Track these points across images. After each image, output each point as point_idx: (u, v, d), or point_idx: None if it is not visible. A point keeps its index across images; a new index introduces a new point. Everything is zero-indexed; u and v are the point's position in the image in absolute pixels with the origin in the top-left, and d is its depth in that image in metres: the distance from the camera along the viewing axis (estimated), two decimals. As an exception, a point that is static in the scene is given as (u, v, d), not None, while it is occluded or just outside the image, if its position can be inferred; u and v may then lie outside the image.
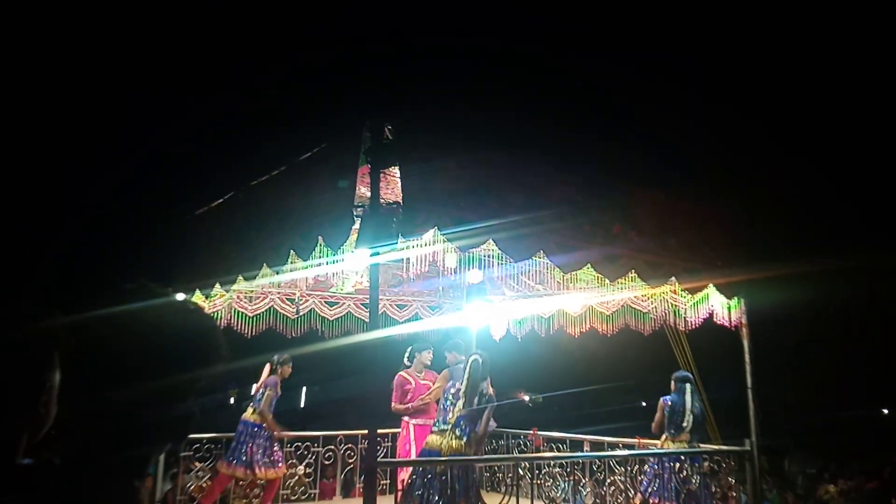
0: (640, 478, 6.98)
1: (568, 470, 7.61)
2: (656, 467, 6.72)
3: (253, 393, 7.60)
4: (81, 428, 1.24)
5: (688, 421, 6.80)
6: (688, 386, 6.95)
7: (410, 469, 6.51)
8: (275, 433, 7.38)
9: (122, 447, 1.21)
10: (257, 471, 7.20)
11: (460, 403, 6.18)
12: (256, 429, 7.31)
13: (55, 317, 1.34)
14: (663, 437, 6.89)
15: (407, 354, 7.74)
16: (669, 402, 6.91)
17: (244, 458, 7.17)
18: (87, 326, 1.26)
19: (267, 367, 7.62)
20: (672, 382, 7.05)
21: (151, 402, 1.20)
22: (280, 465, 7.45)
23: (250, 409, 7.43)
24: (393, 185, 4.91)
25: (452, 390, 6.39)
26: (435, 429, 6.34)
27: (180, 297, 1.37)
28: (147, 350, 1.21)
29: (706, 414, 7.57)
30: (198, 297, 6.73)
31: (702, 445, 6.88)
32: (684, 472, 6.51)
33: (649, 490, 6.72)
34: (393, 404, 7.51)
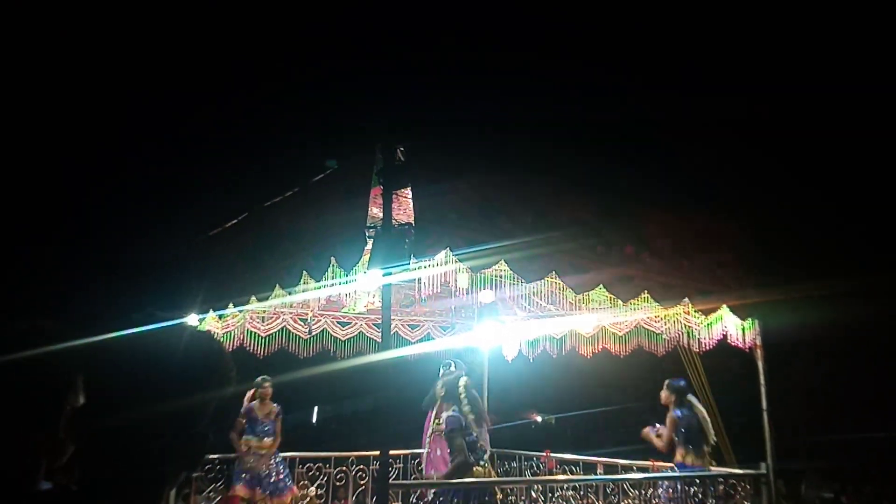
0: (654, 502, 6.89)
1: (581, 493, 7.53)
2: (671, 490, 6.63)
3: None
4: (95, 453, 1.25)
5: (709, 433, 6.71)
6: (692, 398, 6.86)
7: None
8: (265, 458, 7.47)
9: (137, 472, 1.22)
10: (258, 493, 7.31)
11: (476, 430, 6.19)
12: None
13: (76, 337, 1.35)
14: (680, 452, 6.78)
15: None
16: (681, 416, 6.77)
17: (245, 477, 7.40)
18: (98, 350, 1.27)
19: (249, 394, 7.77)
20: (671, 395, 6.89)
21: (163, 426, 1.21)
22: (287, 490, 7.51)
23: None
24: (405, 206, 4.93)
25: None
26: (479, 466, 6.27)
27: (189, 321, 1.39)
28: (155, 374, 1.22)
29: (722, 436, 7.48)
30: (211, 318, 6.77)
31: (713, 468, 6.80)
32: (699, 497, 6.42)
33: None
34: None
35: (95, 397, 1.26)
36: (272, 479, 7.46)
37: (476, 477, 6.12)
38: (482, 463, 6.17)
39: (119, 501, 1.21)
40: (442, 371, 7.55)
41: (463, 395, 6.28)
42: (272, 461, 7.55)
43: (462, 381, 6.41)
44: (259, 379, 7.80)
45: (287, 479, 7.60)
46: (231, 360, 1.33)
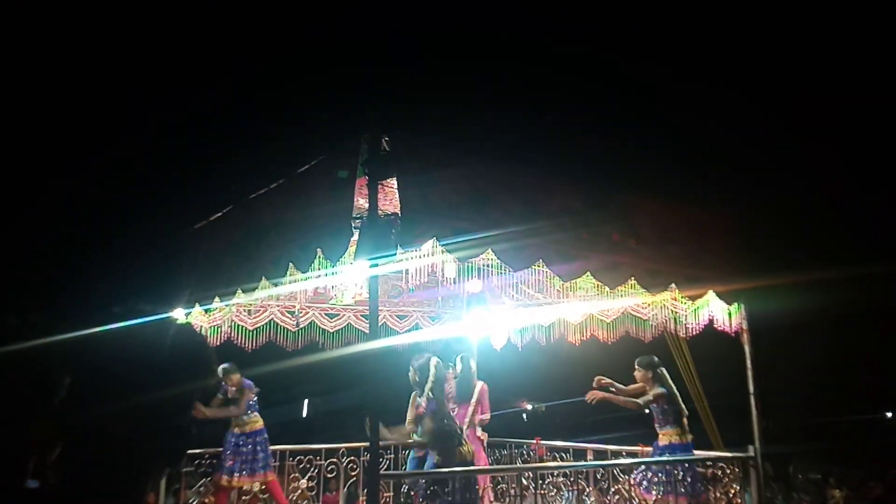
0: (639, 489, 6.91)
1: (572, 479, 7.57)
2: (661, 475, 6.66)
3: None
4: (79, 448, 1.23)
5: (681, 403, 6.74)
6: (663, 370, 6.86)
7: None
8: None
9: (121, 466, 1.21)
10: (235, 478, 7.37)
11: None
12: (233, 438, 7.57)
13: (64, 332, 1.34)
14: (670, 430, 6.72)
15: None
16: (666, 392, 6.72)
17: (227, 466, 7.46)
18: (85, 344, 1.26)
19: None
20: (646, 372, 6.81)
21: (147, 420, 1.20)
22: (267, 470, 7.54)
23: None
24: (391, 196, 4.91)
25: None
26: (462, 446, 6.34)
27: (175, 314, 1.38)
28: (140, 369, 1.21)
29: (710, 420, 7.54)
30: (198, 312, 6.73)
31: (700, 452, 6.85)
32: (688, 480, 6.46)
33: (644, 485, 6.64)
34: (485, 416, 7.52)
35: (81, 392, 1.25)
36: (252, 458, 7.51)
37: (463, 458, 6.17)
38: (463, 442, 6.26)
39: (103, 496, 1.20)
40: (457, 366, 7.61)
41: (431, 377, 6.36)
42: (254, 438, 7.58)
43: (432, 362, 6.46)
44: (228, 365, 7.65)
45: (268, 460, 7.63)
46: (213, 354, 1.32)
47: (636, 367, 6.94)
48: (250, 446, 7.55)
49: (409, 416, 6.85)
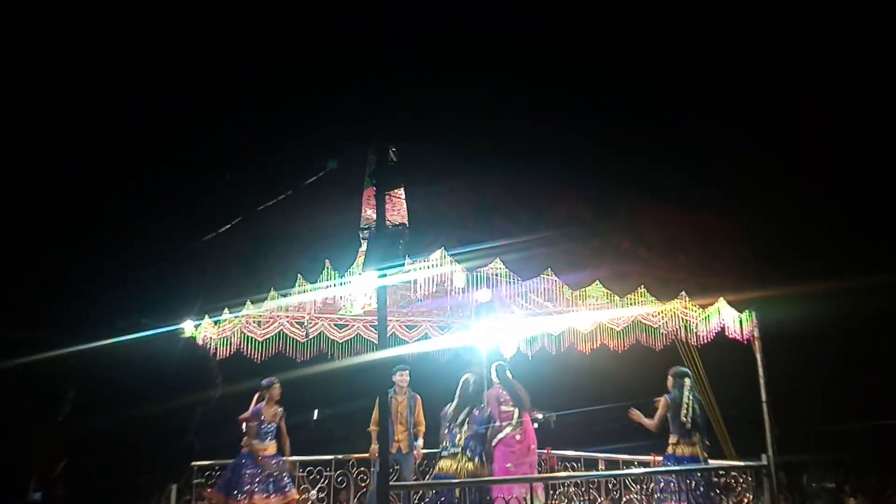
0: (656, 496, 6.86)
1: (583, 489, 7.52)
2: (672, 484, 6.61)
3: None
4: (83, 462, 1.23)
5: (685, 416, 6.67)
6: (686, 381, 6.84)
7: None
8: (269, 460, 7.38)
9: (124, 481, 1.20)
10: (257, 499, 7.21)
11: (466, 426, 6.21)
12: (246, 459, 7.38)
13: (69, 347, 1.34)
14: (673, 439, 6.74)
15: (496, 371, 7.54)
16: (671, 399, 6.78)
17: (245, 489, 7.22)
18: (90, 360, 1.26)
19: (256, 396, 7.63)
20: (670, 378, 6.91)
21: (149, 433, 1.19)
22: (288, 490, 7.42)
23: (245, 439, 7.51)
24: (399, 206, 4.90)
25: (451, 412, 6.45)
26: (445, 453, 6.32)
27: (184, 327, 1.38)
28: (144, 384, 1.20)
29: (722, 429, 7.46)
30: (207, 324, 6.74)
31: (712, 461, 6.78)
32: (701, 489, 6.40)
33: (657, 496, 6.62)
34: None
35: (86, 406, 1.25)
36: (272, 481, 7.37)
37: (445, 469, 6.18)
38: (455, 451, 6.23)
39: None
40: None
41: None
42: (273, 462, 7.46)
43: (462, 379, 6.50)
44: (265, 381, 7.62)
45: (288, 482, 7.52)
46: (217, 368, 1.31)
47: (669, 376, 6.99)
48: (274, 465, 7.40)
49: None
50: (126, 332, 1.26)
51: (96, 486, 1.22)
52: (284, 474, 7.47)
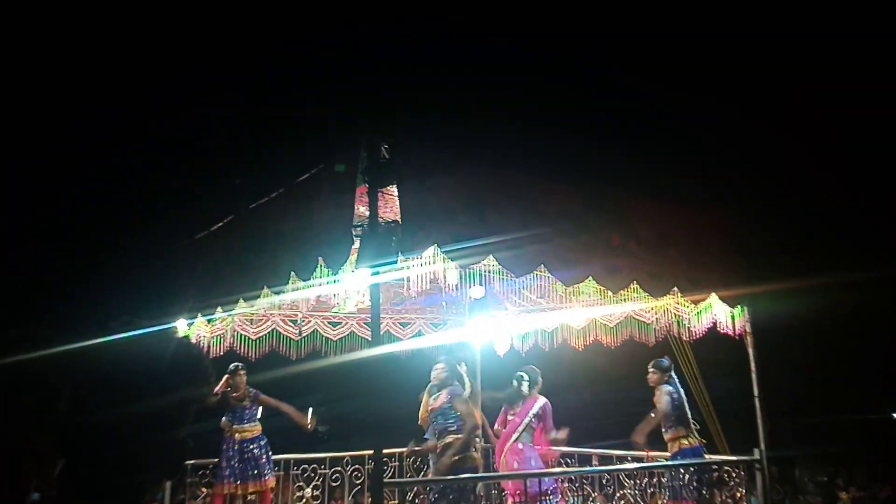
0: (650, 490, 6.88)
1: (577, 485, 7.54)
2: (664, 479, 6.62)
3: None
4: (78, 461, 1.24)
5: (686, 407, 6.63)
6: (673, 375, 6.75)
7: None
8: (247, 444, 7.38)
9: (118, 479, 1.21)
10: (238, 484, 7.20)
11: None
12: (226, 444, 7.16)
13: (65, 345, 1.35)
14: (682, 432, 6.52)
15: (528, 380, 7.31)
16: (674, 391, 6.57)
17: (225, 473, 7.09)
18: (86, 358, 1.27)
19: (224, 378, 7.47)
20: (660, 375, 6.64)
21: (144, 430, 1.20)
22: (266, 477, 7.36)
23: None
24: (391, 203, 4.91)
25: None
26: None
27: (177, 325, 1.38)
28: (138, 382, 1.21)
29: (714, 424, 7.49)
30: (200, 322, 6.71)
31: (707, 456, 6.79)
32: (694, 484, 6.42)
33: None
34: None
35: (81, 404, 1.26)
36: (255, 463, 7.30)
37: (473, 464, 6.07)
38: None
39: (100, 508, 1.20)
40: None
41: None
42: (256, 444, 7.39)
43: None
44: (238, 364, 7.23)
45: (269, 464, 7.44)
46: (210, 366, 1.32)
47: (650, 368, 6.81)
48: (255, 451, 7.33)
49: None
50: (120, 331, 1.27)
51: (92, 484, 1.23)
52: (264, 458, 7.37)
